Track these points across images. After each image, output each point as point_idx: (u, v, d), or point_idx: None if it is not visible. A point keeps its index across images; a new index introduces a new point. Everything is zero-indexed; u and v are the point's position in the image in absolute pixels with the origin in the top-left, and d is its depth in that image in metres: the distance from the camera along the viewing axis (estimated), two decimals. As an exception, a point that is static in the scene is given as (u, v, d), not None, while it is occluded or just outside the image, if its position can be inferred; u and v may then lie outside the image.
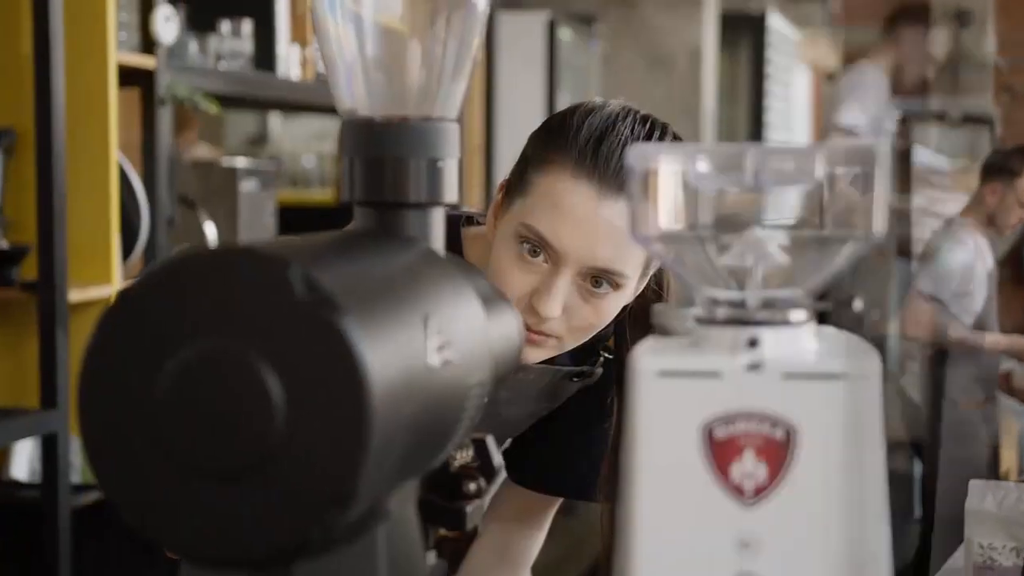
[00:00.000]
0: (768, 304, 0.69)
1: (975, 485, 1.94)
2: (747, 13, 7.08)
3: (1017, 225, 4.62)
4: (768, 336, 0.67)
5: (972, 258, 4.56)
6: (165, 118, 2.78)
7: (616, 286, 1.27)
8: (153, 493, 0.61)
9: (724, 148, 0.68)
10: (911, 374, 4.93)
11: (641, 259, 1.27)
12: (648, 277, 1.35)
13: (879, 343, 4.58)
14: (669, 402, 0.67)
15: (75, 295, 2.50)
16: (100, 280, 2.61)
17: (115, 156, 2.60)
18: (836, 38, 9.20)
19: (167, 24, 2.74)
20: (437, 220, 0.77)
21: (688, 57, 5.71)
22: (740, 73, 7.40)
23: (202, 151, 4.31)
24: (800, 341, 0.68)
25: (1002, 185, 4.54)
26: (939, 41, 4.57)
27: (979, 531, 1.88)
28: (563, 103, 4.64)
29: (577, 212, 1.23)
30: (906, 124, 4.56)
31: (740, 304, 0.69)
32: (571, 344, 1.31)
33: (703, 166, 0.68)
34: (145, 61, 2.75)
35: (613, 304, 1.29)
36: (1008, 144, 8.62)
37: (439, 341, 0.67)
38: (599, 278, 1.26)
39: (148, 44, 2.77)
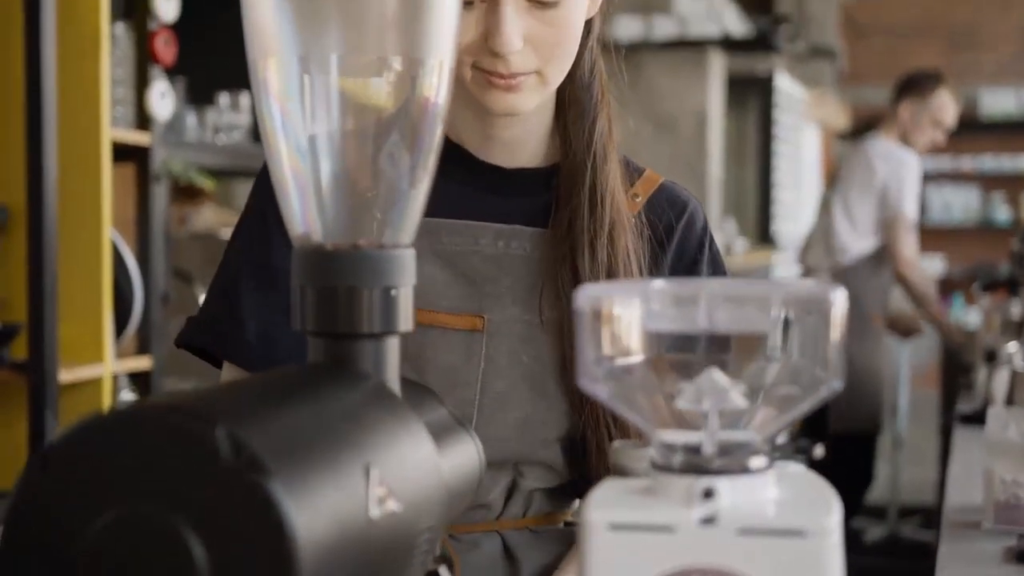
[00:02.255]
0: (725, 450, 0.66)
1: (994, 412, 1.81)
2: (754, 74, 7.08)
3: (929, 145, 4.61)
4: (725, 486, 0.64)
5: (920, 175, 4.57)
6: (160, 194, 2.77)
7: None
8: (73, 662, 0.58)
9: (678, 288, 0.66)
10: None
11: None
12: None
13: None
14: (621, 557, 0.64)
15: (66, 375, 2.48)
16: (92, 360, 2.59)
17: (108, 234, 2.59)
18: (844, 97, 9.23)
19: (163, 100, 2.73)
20: (392, 350, 0.75)
21: (694, 119, 5.71)
22: (748, 133, 7.40)
23: (208, 215, 4.30)
24: (758, 491, 0.65)
25: (915, 103, 4.52)
26: (948, 108, 4.55)
27: (1002, 463, 1.74)
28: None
29: None
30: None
31: (696, 449, 0.66)
32: (555, 76, 1.21)
33: (656, 306, 0.66)
34: (140, 138, 2.74)
35: (571, 13, 1.18)
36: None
37: (382, 491, 0.65)
38: None
39: (144, 119, 2.76)
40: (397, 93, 0.74)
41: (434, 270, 1.24)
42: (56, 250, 2.44)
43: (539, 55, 1.17)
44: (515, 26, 1.14)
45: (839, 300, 0.63)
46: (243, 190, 4.73)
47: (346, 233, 0.74)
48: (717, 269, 1.34)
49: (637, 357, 0.67)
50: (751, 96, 7.28)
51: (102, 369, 2.61)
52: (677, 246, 1.32)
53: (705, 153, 5.72)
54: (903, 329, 4.87)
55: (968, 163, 9.70)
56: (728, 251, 5.96)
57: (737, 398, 0.66)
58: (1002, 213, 9.69)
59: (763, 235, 7.40)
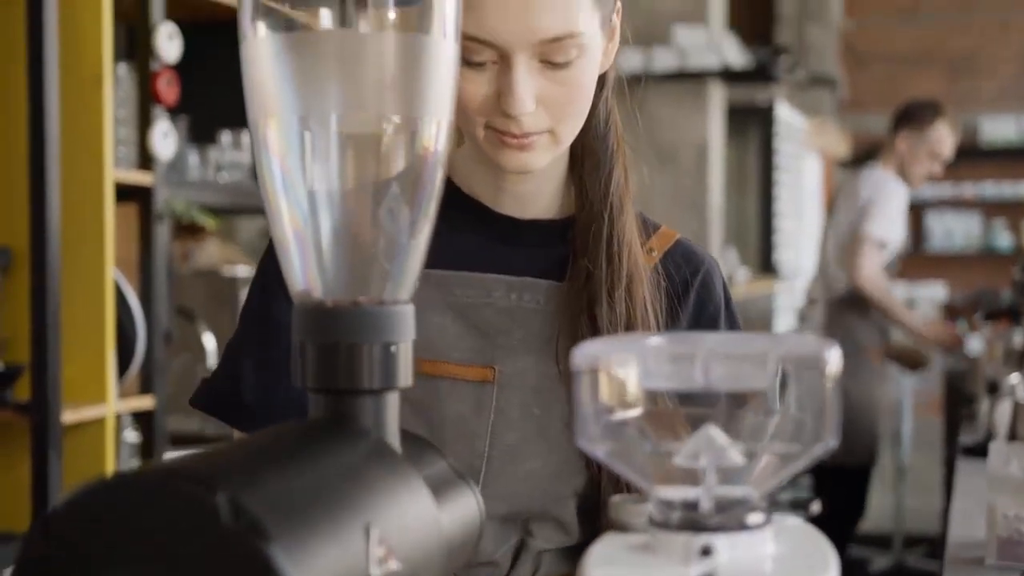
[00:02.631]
0: (723, 507, 0.66)
1: (996, 447, 1.81)
2: (754, 104, 7.11)
3: (926, 177, 4.60)
4: (722, 543, 0.65)
5: (904, 207, 4.55)
6: (162, 233, 2.78)
7: (578, 49, 1.15)
8: None
9: (674, 347, 0.67)
10: (811, 321, 4.90)
11: (588, 4, 1.15)
12: (613, 27, 1.23)
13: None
14: (619, 615, 0.64)
15: (69, 416, 2.48)
16: (95, 399, 2.60)
17: (111, 274, 2.60)
18: (845, 125, 9.27)
19: (165, 140, 2.75)
20: (391, 405, 0.75)
21: (695, 150, 5.73)
22: (749, 162, 7.43)
23: (212, 250, 4.32)
24: (756, 547, 0.65)
25: (912, 134, 4.52)
26: (946, 140, 4.54)
27: (1003, 499, 1.73)
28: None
29: None
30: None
31: (694, 505, 0.67)
32: (567, 134, 1.19)
33: (652, 365, 0.67)
34: (142, 177, 2.75)
35: (584, 73, 1.17)
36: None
37: (382, 551, 0.65)
38: (555, 58, 1.14)
39: (147, 159, 2.78)
40: (396, 151, 0.75)
41: (445, 321, 1.23)
42: (59, 291, 2.45)
43: (551, 115, 1.16)
44: (527, 87, 1.13)
45: (834, 358, 0.64)
46: (246, 227, 4.77)
47: (346, 290, 0.75)
48: (734, 328, 1.33)
49: (634, 414, 0.68)
50: (752, 125, 7.31)
51: (105, 409, 2.61)
52: (695, 306, 1.30)
53: (706, 184, 5.74)
54: (909, 362, 4.85)
55: (969, 190, 9.73)
56: (730, 281, 5.97)
57: (734, 455, 0.66)
58: (1004, 239, 9.72)
59: (765, 264, 7.41)
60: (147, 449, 2.83)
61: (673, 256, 1.31)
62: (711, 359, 0.66)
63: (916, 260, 9.59)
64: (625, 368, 0.67)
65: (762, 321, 6.32)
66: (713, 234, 5.80)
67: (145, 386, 2.80)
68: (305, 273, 0.75)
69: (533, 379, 1.23)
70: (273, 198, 0.75)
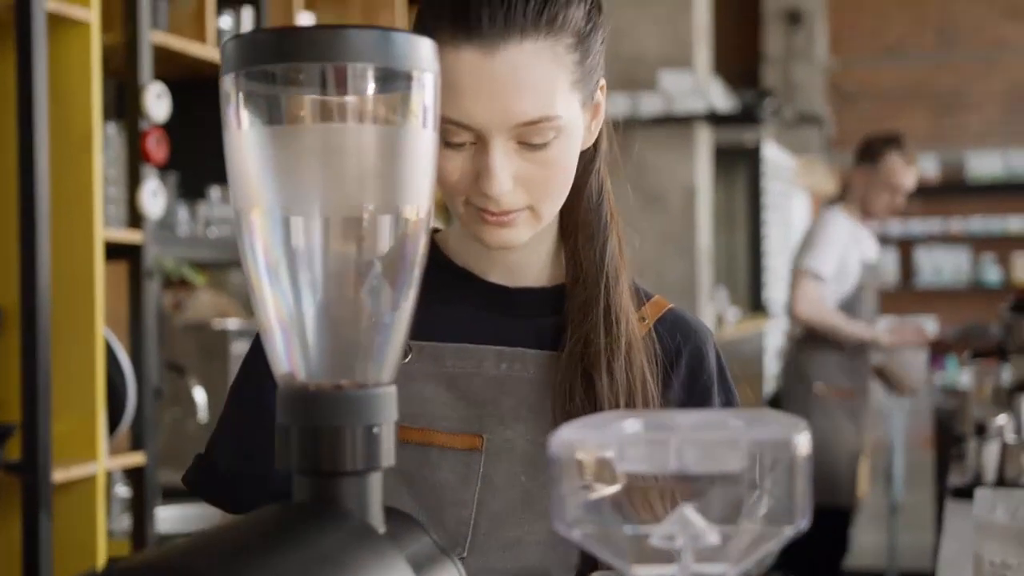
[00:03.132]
0: (699, 587, 0.68)
1: (982, 494, 1.82)
2: (742, 145, 7.15)
3: (888, 210, 4.61)
4: (698, 624, 0.66)
5: (848, 241, 4.56)
6: (152, 291, 2.80)
7: (556, 131, 1.16)
8: None
9: (649, 432, 0.68)
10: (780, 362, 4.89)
11: (567, 87, 1.17)
12: (597, 103, 1.24)
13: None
14: None
15: (60, 475, 2.48)
16: (86, 458, 2.60)
17: (101, 333, 2.61)
18: (833, 162, 9.32)
19: (154, 198, 2.77)
20: (375, 486, 0.77)
21: (683, 193, 5.76)
22: (737, 202, 7.46)
23: (204, 299, 4.32)
24: (731, 627, 0.67)
25: (867, 168, 4.55)
26: (899, 171, 4.56)
27: (989, 546, 1.73)
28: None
29: (470, 80, 1.13)
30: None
31: (671, 586, 0.68)
32: (548, 211, 1.21)
33: (628, 450, 0.68)
34: (132, 236, 2.77)
35: (563, 153, 1.18)
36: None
37: (365, 637, 0.67)
38: (532, 139, 1.16)
39: (136, 217, 2.79)
40: (378, 238, 0.77)
41: (437, 391, 1.25)
42: (50, 350, 2.46)
43: (530, 193, 1.18)
44: (505, 169, 1.15)
45: (803, 441, 0.66)
46: (236, 278, 4.78)
47: (329, 373, 0.76)
48: (730, 400, 1.33)
49: (610, 496, 0.70)
50: (739, 166, 7.34)
51: (95, 467, 2.61)
52: (687, 377, 1.31)
53: (694, 225, 5.77)
54: (897, 386, 4.85)
55: (957, 225, 9.77)
56: (720, 321, 5.99)
57: (711, 535, 0.68)
58: (992, 274, 9.76)
59: (755, 303, 7.44)
60: (138, 504, 2.83)
61: (665, 324, 1.31)
62: (685, 444, 0.67)
63: (905, 295, 9.63)
64: (601, 454, 0.69)
65: (753, 361, 6.34)
66: (702, 275, 5.82)
67: (136, 442, 2.81)
68: (288, 356, 0.76)
69: (521, 448, 1.24)
70: (257, 284, 0.76)
